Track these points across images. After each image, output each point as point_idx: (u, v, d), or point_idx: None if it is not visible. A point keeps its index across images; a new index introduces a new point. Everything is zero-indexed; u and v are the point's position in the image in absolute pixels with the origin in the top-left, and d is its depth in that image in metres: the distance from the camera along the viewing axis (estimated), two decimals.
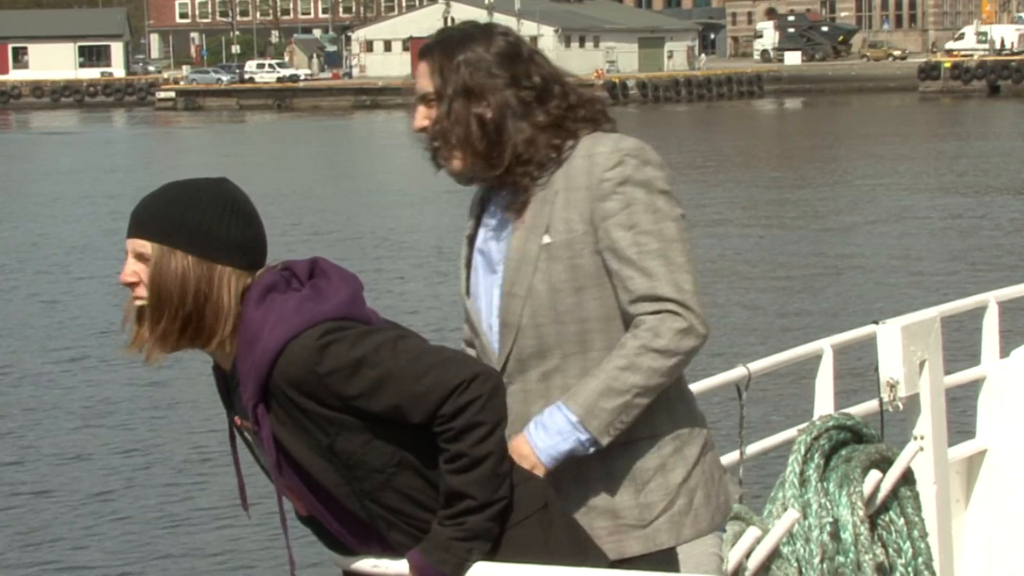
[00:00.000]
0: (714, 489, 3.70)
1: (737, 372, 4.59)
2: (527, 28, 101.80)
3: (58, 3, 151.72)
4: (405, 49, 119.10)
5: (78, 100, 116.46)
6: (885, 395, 4.79)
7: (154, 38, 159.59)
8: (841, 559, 4.21)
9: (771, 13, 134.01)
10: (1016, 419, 5.80)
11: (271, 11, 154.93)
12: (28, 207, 42.00)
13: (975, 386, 5.88)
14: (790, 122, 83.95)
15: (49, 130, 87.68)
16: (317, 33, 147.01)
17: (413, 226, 35.08)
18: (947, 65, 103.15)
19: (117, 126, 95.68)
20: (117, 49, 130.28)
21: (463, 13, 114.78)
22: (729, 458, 4.32)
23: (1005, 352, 5.91)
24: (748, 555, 3.89)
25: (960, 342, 8.30)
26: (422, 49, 3.69)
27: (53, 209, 41.27)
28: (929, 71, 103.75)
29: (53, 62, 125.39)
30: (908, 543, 4.39)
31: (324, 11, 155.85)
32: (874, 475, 4.32)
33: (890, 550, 4.37)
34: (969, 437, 5.88)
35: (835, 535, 4.22)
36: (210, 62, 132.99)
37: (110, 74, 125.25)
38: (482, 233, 3.75)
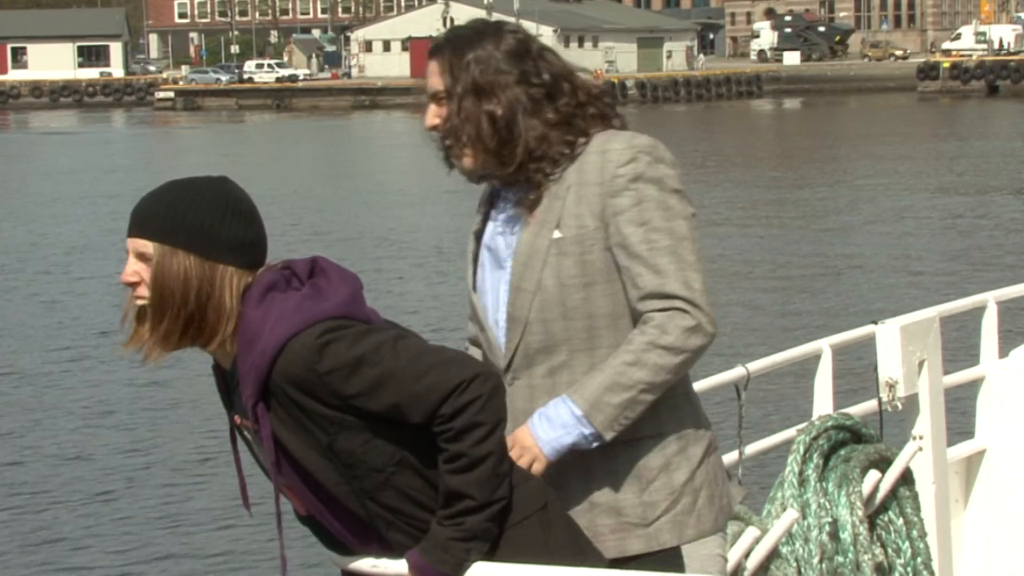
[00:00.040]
0: (718, 490, 3.70)
1: (736, 372, 4.59)
2: (526, 28, 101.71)
3: (57, 3, 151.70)
4: (404, 49, 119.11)
5: (77, 100, 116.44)
6: (884, 395, 4.80)
7: (153, 38, 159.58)
8: (840, 559, 4.22)
9: (770, 13, 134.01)
10: (1015, 419, 5.80)
11: (270, 11, 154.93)
12: (28, 207, 42.00)
13: (974, 386, 5.89)
14: (789, 122, 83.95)
15: (48, 130, 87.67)
16: (316, 33, 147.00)
17: (413, 226, 35.09)
18: (946, 65, 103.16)
19: (116, 126, 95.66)
20: (116, 49, 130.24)
21: (462, 13, 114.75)
22: (728, 458, 4.32)
23: (1004, 352, 5.92)
24: (747, 555, 3.90)
25: (959, 342, 8.31)
26: (432, 47, 3.69)
27: (53, 209, 41.27)
28: (928, 71, 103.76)
29: (52, 62, 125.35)
30: (907, 543, 4.40)
31: (323, 11, 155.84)
32: (873, 475, 4.33)
33: (889, 550, 4.38)
34: (968, 437, 5.88)
35: (834, 535, 4.22)
36: (209, 62, 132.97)
37: (109, 74, 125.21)
38: (490, 229, 3.75)
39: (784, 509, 4.20)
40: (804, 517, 4.21)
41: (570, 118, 3.62)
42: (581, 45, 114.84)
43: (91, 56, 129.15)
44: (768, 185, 42.91)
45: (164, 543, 12.72)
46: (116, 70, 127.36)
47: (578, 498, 3.62)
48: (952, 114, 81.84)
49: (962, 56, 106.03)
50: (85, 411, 17.53)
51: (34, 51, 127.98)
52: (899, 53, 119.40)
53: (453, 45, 3.64)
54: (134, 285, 3.34)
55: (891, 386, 4.79)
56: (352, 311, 3.29)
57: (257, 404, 3.26)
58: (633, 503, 3.62)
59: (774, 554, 4.08)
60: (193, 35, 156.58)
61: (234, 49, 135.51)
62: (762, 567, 3.99)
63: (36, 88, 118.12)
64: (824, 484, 4.27)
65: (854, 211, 36.22)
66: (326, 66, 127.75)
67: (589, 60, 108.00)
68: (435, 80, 3.65)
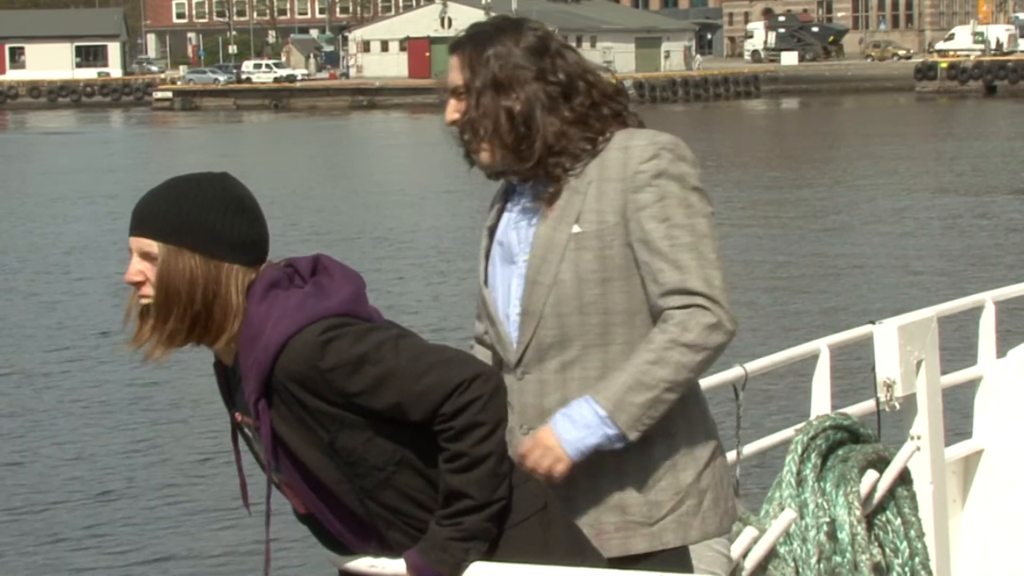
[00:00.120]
0: (723, 493, 3.70)
1: (734, 372, 4.60)
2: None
3: (55, 3, 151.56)
4: (402, 49, 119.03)
5: (75, 100, 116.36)
6: (882, 395, 4.80)
7: (151, 38, 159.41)
8: (838, 559, 4.23)
9: (768, 13, 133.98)
10: (1013, 419, 5.81)
11: (268, 11, 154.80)
12: (27, 207, 41.98)
13: (972, 386, 5.89)
14: (787, 122, 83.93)
15: (46, 130, 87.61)
16: (314, 33, 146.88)
17: (412, 226, 35.07)
18: (944, 65, 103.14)
19: (114, 126, 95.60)
20: (114, 49, 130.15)
21: (460, 13, 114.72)
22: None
23: (1002, 352, 5.93)
24: (745, 555, 3.91)
25: (957, 342, 8.32)
26: (453, 43, 3.72)
27: (52, 209, 41.25)
28: (926, 71, 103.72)
29: (50, 62, 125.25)
30: (905, 543, 4.41)
31: (321, 11, 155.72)
32: (871, 475, 4.34)
33: (887, 550, 4.39)
34: (966, 437, 5.89)
35: (832, 535, 4.23)
36: (207, 62, 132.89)
37: (107, 74, 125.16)
38: (503, 224, 3.76)
39: (782, 509, 4.22)
40: (802, 517, 4.22)
41: (585, 117, 3.63)
42: (579, 45, 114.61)
43: (89, 56, 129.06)
44: (766, 185, 42.91)
45: (164, 543, 12.72)
46: (114, 70, 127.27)
47: (584, 495, 3.63)
48: (950, 114, 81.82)
49: (959, 56, 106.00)
50: (85, 411, 17.52)
51: (32, 51, 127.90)
52: (902, 53, 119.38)
53: (474, 41, 3.67)
54: (138, 284, 3.33)
55: (889, 386, 4.80)
56: (355, 309, 3.30)
57: (259, 401, 3.26)
58: (638, 502, 3.63)
59: (772, 554, 4.09)
60: (191, 35, 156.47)
61: (232, 49, 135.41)
62: (760, 567, 4.00)
63: (34, 88, 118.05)
64: (822, 484, 4.28)
65: (852, 211, 36.21)
66: (327, 66, 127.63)
67: None
68: (455, 75, 3.67)
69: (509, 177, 3.73)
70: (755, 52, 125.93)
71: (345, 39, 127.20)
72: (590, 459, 3.61)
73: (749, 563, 3.94)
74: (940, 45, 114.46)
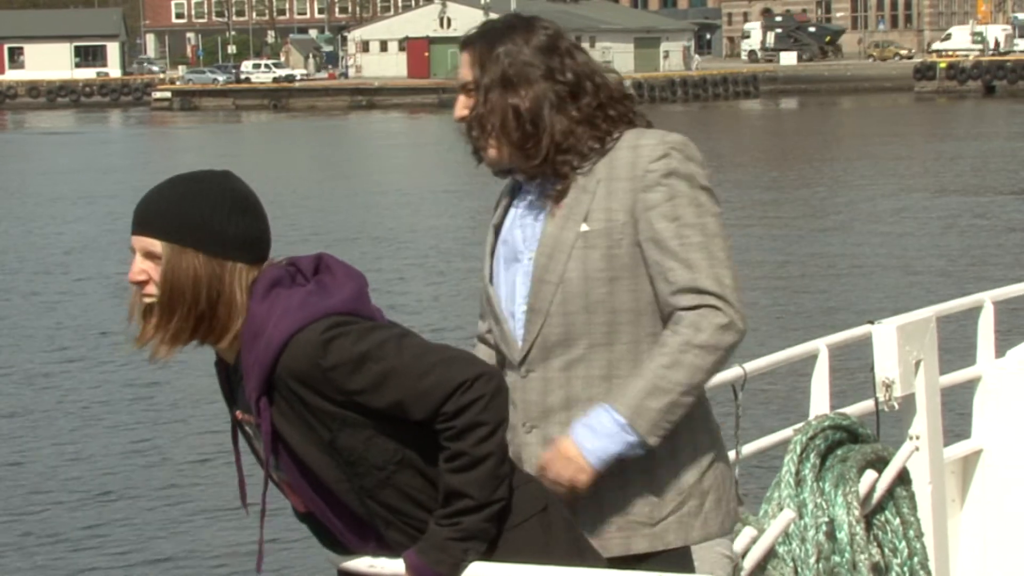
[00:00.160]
0: (725, 494, 3.70)
1: (733, 372, 4.60)
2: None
3: (54, 3, 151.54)
4: (401, 49, 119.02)
5: (74, 100, 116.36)
6: (881, 395, 4.81)
7: (150, 38, 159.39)
8: (837, 559, 4.23)
9: (766, 13, 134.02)
10: (1011, 419, 5.82)
11: (267, 11, 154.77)
12: (26, 207, 41.98)
13: (970, 386, 5.89)
14: (786, 122, 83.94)
15: (45, 130, 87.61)
16: (313, 33, 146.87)
17: (411, 226, 35.07)
18: (942, 65, 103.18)
19: (113, 126, 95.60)
20: (113, 49, 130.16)
21: (459, 13, 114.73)
22: None
23: (1000, 352, 5.93)
24: (744, 555, 3.92)
25: (956, 342, 8.32)
26: (464, 40, 3.73)
27: (51, 209, 41.26)
28: (925, 71, 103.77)
29: (49, 62, 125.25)
30: (904, 543, 4.41)
31: (320, 11, 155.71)
32: (870, 475, 4.34)
33: (886, 550, 4.39)
34: (965, 437, 5.89)
35: (831, 535, 4.24)
36: (206, 62, 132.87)
37: (106, 74, 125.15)
38: (508, 222, 3.76)
39: (781, 509, 4.22)
40: (801, 517, 4.22)
41: (591, 118, 3.64)
42: None
43: (88, 56, 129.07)
44: (765, 185, 42.92)
45: (164, 544, 12.72)
46: (113, 70, 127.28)
47: (586, 494, 3.62)
48: (949, 114, 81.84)
49: (957, 56, 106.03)
50: (85, 411, 17.53)
51: (31, 51, 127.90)
52: (903, 52, 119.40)
53: (485, 38, 3.68)
54: (142, 284, 3.33)
55: (888, 386, 4.80)
56: (357, 308, 3.30)
57: (260, 398, 3.27)
58: (641, 502, 3.63)
59: (771, 554, 4.09)
60: (190, 35, 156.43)
61: (231, 49, 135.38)
62: (759, 567, 4.01)
63: (33, 88, 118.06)
64: (821, 484, 4.28)
65: (851, 211, 36.23)
66: (328, 65, 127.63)
67: None
68: (465, 71, 3.68)
69: (515, 175, 3.74)
70: (752, 52, 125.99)
71: (344, 39, 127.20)
72: None
73: (748, 563, 3.94)
74: (936, 45, 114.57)
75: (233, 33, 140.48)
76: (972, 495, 5.86)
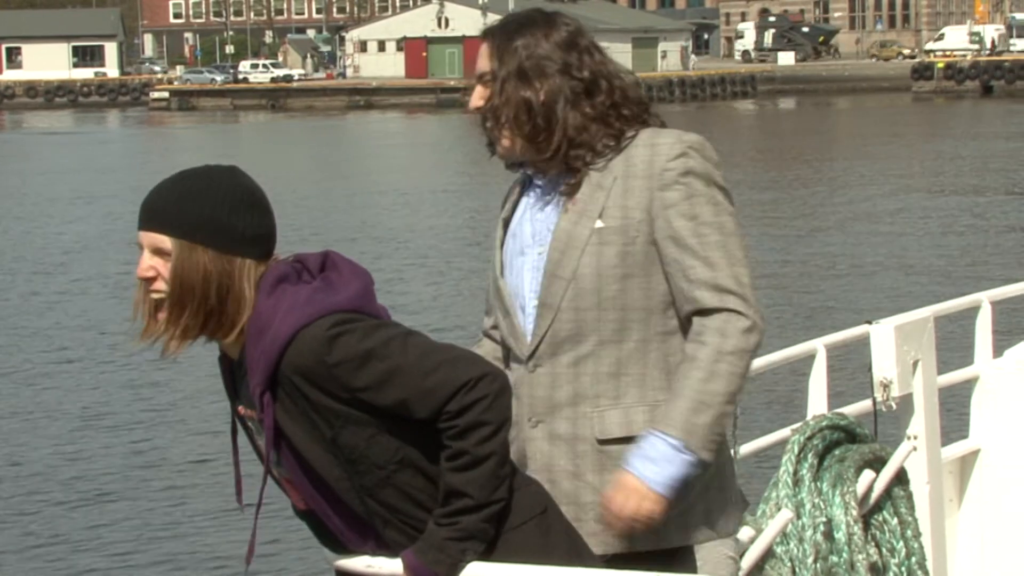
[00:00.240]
0: (730, 495, 3.72)
1: None
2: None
3: (52, 3, 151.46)
4: (399, 49, 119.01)
5: (72, 100, 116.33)
6: (878, 395, 4.81)
7: (148, 38, 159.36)
8: (835, 559, 4.24)
9: (764, 13, 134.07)
10: (1009, 419, 5.82)
11: (265, 11, 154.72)
12: (25, 207, 41.98)
13: (968, 386, 5.89)
14: (784, 122, 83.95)
15: (43, 130, 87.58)
16: (311, 33, 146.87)
17: (410, 226, 35.07)
18: (940, 65, 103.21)
19: (111, 126, 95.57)
20: (111, 49, 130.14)
21: (457, 13, 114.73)
22: None
23: (998, 352, 5.93)
24: (742, 555, 3.92)
25: (953, 342, 8.32)
26: (484, 31, 3.76)
27: (50, 209, 41.25)
28: (922, 71, 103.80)
29: (47, 62, 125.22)
30: (901, 543, 4.41)
31: (318, 11, 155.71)
32: (867, 475, 4.34)
33: (884, 550, 4.39)
34: (962, 437, 5.89)
35: (829, 535, 4.24)
36: (204, 62, 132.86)
37: (104, 74, 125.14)
38: (517, 215, 3.78)
39: (779, 509, 4.22)
40: (799, 517, 4.22)
41: (605, 116, 3.66)
42: None
43: (86, 56, 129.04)
44: (763, 185, 42.93)
45: (164, 544, 12.72)
46: (111, 70, 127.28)
47: (591, 492, 3.63)
48: (946, 114, 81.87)
49: (955, 56, 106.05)
50: (85, 412, 17.52)
51: (29, 51, 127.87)
52: (906, 52, 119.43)
53: (504, 30, 3.71)
54: (150, 280, 3.32)
55: (885, 386, 4.80)
56: (363, 306, 3.31)
57: (264, 393, 3.27)
58: None
59: (769, 554, 4.09)
60: (188, 35, 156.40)
61: (229, 49, 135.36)
62: (757, 567, 4.01)
63: (31, 88, 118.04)
64: (819, 484, 4.28)
65: (848, 211, 36.23)
66: (331, 65, 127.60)
67: None
68: (483, 62, 3.71)
69: (526, 169, 3.75)
70: (745, 52, 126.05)
71: (342, 39, 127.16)
72: (597, 457, 3.63)
73: (746, 563, 3.94)
74: (930, 45, 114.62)
75: (231, 33, 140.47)
76: (970, 495, 5.86)
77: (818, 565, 4.19)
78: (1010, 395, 5.82)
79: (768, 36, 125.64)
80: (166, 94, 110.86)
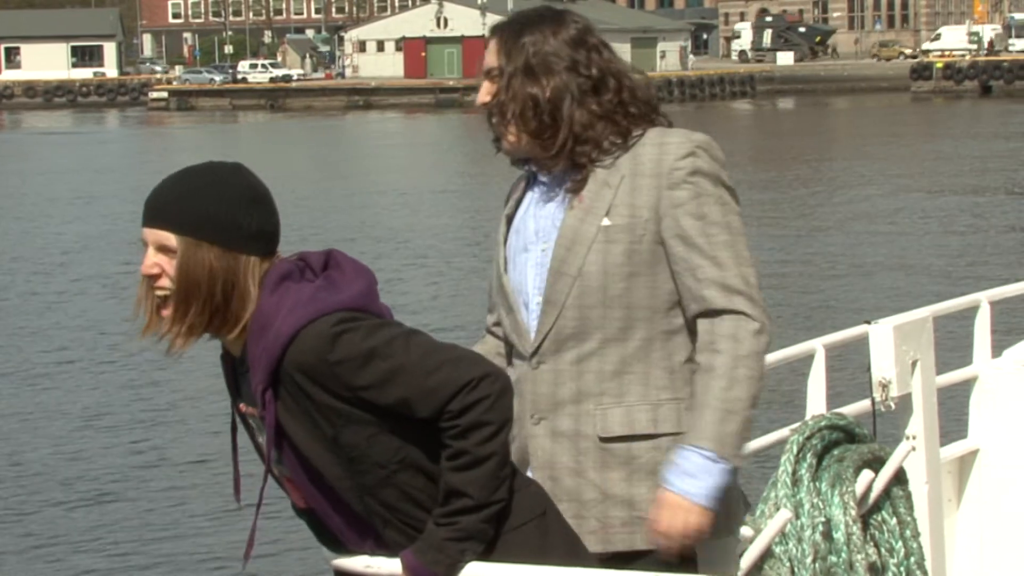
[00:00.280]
0: (732, 494, 3.71)
1: None
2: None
3: (50, 3, 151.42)
4: (398, 49, 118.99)
5: (71, 100, 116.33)
6: (877, 395, 4.81)
7: (147, 38, 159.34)
8: (833, 559, 4.24)
9: (763, 13, 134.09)
10: (1008, 419, 5.82)
11: (264, 11, 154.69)
12: (24, 207, 41.97)
13: (967, 386, 5.89)
14: (783, 122, 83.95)
15: (42, 130, 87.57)
16: (310, 33, 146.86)
17: (408, 226, 35.07)
18: (939, 65, 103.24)
19: (110, 126, 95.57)
20: (110, 49, 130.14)
21: (456, 14, 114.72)
22: None
23: (997, 352, 5.93)
24: (740, 555, 3.92)
25: (952, 342, 8.33)
26: (493, 27, 3.78)
27: (49, 209, 41.25)
28: (921, 71, 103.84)
29: (46, 62, 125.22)
30: (900, 543, 4.41)
31: (317, 11, 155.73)
32: (866, 475, 4.34)
33: (882, 550, 4.39)
34: (961, 437, 5.89)
35: (827, 535, 4.24)
36: (203, 62, 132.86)
37: (103, 74, 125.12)
38: (521, 212, 3.78)
39: (777, 509, 4.22)
40: (797, 517, 4.22)
41: (611, 114, 3.66)
42: None
43: (85, 56, 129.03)
44: (762, 185, 42.93)
45: (163, 545, 12.72)
46: (110, 70, 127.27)
47: (592, 488, 3.64)
48: (945, 114, 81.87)
49: (954, 56, 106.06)
50: (84, 412, 17.52)
51: (27, 51, 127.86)
52: (908, 52, 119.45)
53: (513, 27, 3.72)
54: (155, 277, 3.32)
55: (884, 386, 4.80)
56: (366, 304, 3.31)
57: (266, 391, 3.27)
58: (647, 498, 3.63)
59: (767, 554, 4.09)
60: (187, 35, 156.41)
61: (228, 49, 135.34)
62: (755, 567, 4.01)
63: (30, 88, 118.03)
64: (817, 484, 4.28)
65: (847, 210, 36.24)
66: (330, 65, 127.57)
67: None
68: (491, 58, 3.72)
69: (531, 166, 3.75)
70: (742, 52, 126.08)
71: (341, 39, 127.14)
72: (600, 454, 3.64)
73: (744, 563, 3.94)
74: (926, 45, 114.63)
75: (230, 33, 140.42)
76: (969, 495, 5.86)
77: (817, 565, 4.19)
78: (1009, 395, 5.82)
79: (767, 36, 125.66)
80: (165, 94, 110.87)
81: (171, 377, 18.51)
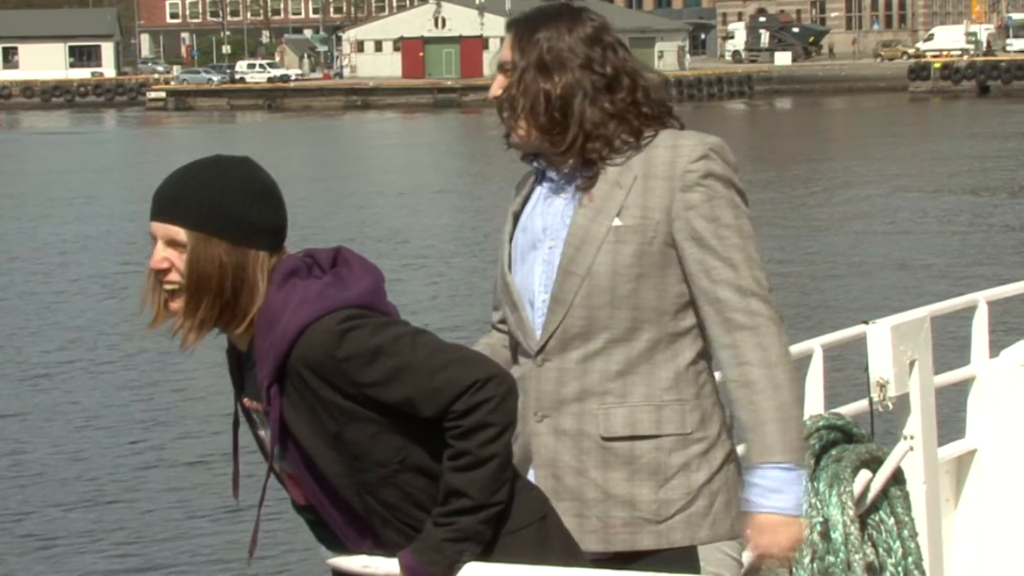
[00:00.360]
0: (735, 497, 3.71)
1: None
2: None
3: (48, 3, 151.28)
4: (396, 49, 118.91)
5: (68, 100, 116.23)
6: (875, 395, 4.82)
7: (144, 38, 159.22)
8: (831, 559, 4.25)
9: (761, 13, 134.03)
10: (1005, 418, 5.82)
11: (261, 11, 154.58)
12: (22, 207, 41.95)
13: (965, 386, 5.90)
14: (781, 122, 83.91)
15: (40, 130, 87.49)
16: (308, 33, 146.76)
17: (407, 226, 35.06)
18: (937, 66, 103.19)
19: (108, 126, 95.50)
20: (107, 49, 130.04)
21: (453, 14, 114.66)
22: None
23: (995, 352, 5.93)
24: (740, 555, 3.93)
25: (950, 342, 8.34)
26: (510, 21, 3.78)
27: (48, 209, 41.23)
28: (919, 71, 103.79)
29: (43, 62, 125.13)
30: (898, 542, 4.42)
31: (315, 11, 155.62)
32: (864, 475, 4.36)
33: (880, 549, 4.40)
34: (959, 437, 5.90)
35: (825, 535, 4.25)
36: (200, 62, 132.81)
37: (100, 74, 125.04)
38: (528, 209, 3.78)
39: None
40: None
41: (623, 113, 3.67)
42: None
43: (82, 56, 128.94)
44: (761, 185, 42.90)
45: (163, 545, 12.71)
46: (108, 70, 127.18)
47: (595, 487, 3.64)
48: (943, 114, 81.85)
49: (952, 56, 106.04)
50: (84, 412, 17.52)
51: (25, 51, 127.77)
52: (910, 51, 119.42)
53: (528, 22, 3.73)
54: (164, 271, 3.32)
55: (882, 386, 4.81)
56: (374, 302, 3.31)
57: (272, 386, 3.27)
58: (649, 499, 3.64)
59: None
60: (185, 35, 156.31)
61: (226, 49, 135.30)
62: (754, 566, 4.02)
63: (27, 88, 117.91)
64: (815, 484, 4.30)
65: (845, 210, 36.23)
66: (328, 65, 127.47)
67: None
68: (505, 52, 3.73)
69: (539, 162, 3.75)
70: (735, 53, 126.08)
71: (339, 39, 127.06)
72: (602, 454, 3.64)
73: (744, 563, 3.95)
74: (920, 45, 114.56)
75: (228, 33, 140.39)
76: (966, 495, 5.87)
77: (815, 565, 4.21)
78: (1006, 395, 5.83)
79: (764, 36, 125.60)
80: (163, 94, 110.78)
81: (171, 377, 18.49)
